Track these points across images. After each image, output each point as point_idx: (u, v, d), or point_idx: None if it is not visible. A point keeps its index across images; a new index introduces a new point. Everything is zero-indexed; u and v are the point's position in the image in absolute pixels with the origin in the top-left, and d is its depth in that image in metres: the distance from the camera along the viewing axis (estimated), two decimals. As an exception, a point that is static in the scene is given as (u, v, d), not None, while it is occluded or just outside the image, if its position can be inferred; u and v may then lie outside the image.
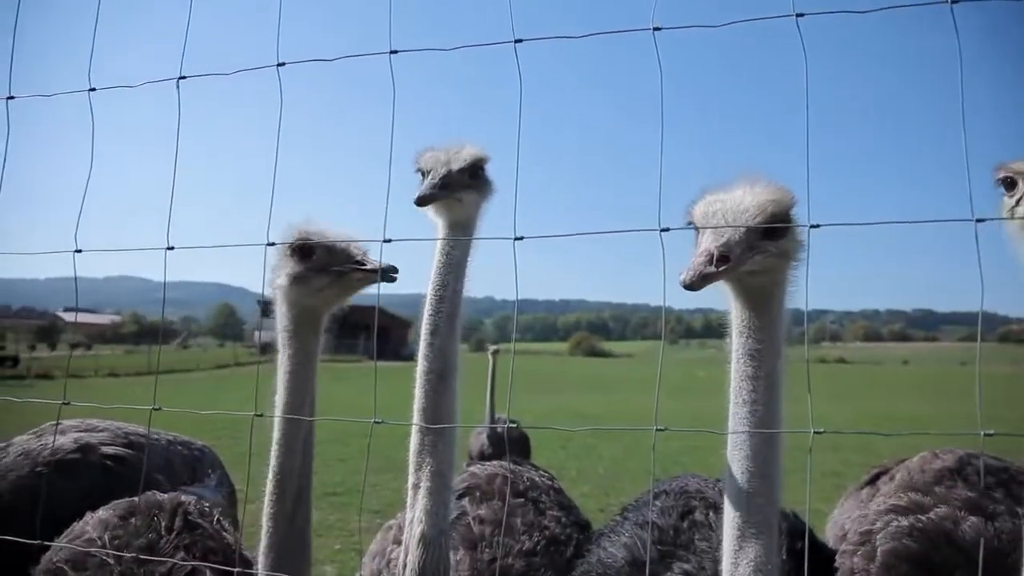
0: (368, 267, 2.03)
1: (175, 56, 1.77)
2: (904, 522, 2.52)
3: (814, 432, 1.47)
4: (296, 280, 2.10)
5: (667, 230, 1.53)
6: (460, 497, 2.87)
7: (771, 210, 1.65)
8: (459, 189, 2.07)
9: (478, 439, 8.51)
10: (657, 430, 1.57)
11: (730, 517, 1.68)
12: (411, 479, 2.00)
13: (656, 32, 1.44)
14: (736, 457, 1.70)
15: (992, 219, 1.27)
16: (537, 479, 3.09)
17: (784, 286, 1.76)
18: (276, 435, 2.09)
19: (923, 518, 2.51)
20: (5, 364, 29.06)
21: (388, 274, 2.06)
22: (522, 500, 2.85)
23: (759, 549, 1.64)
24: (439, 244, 2.10)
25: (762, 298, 1.74)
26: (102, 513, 2.44)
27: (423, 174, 2.11)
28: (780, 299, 1.77)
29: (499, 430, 8.31)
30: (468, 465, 3.66)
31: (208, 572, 2.22)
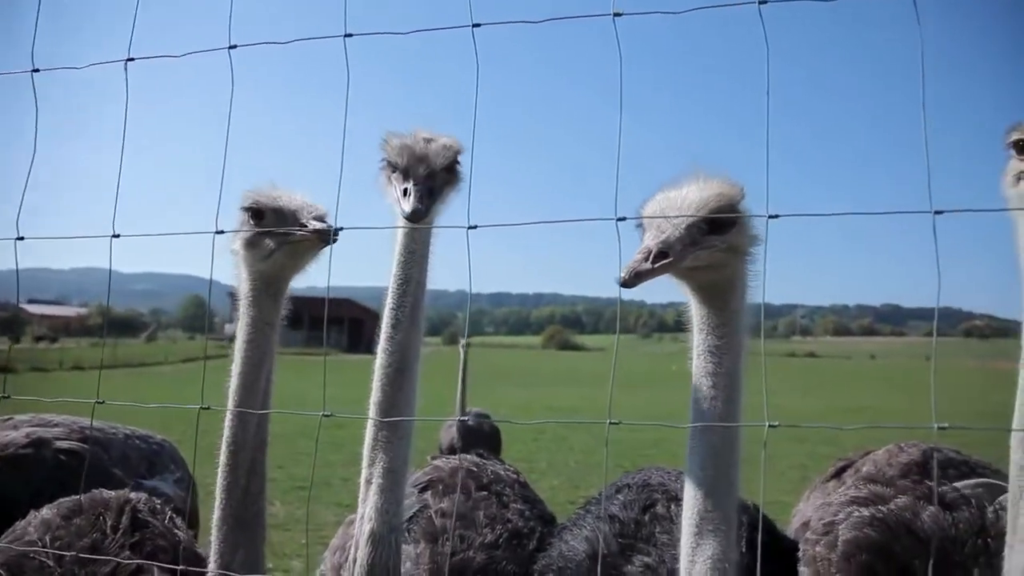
0: (309, 228, 1.95)
1: (125, 38, 1.71)
2: (865, 512, 2.54)
3: (769, 425, 1.46)
4: (248, 244, 2.06)
5: (623, 219, 1.51)
6: (423, 490, 2.85)
7: (714, 205, 1.64)
8: (443, 190, 2.01)
9: (448, 432, 8.49)
10: (611, 424, 1.55)
11: (688, 513, 1.68)
12: (364, 474, 1.97)
13: (617, 18, 1.42)
14: (695, 453, 1.69)
15: (951, 211, 1.26)
16: (502, 472, 3.08)
17: (740, 281, 1.74)
18: (230, 404, 2.06)
19: (883, 508, 2.53)
20: None
21: (332, 236, 1.96)
22: (485, 493, 2.83)
23: (716, 545, 1.64)
24: (399, 236, 2.04)
25: (718, 294, 1.72)
26: (45, 512, 2.37)
27: (392, 166, 2.02)
28: (737, 295, 1.74)
29: (469, 423, 8.32)
30: (434, 458, 3.63)
31: (156, 571, 2.17)
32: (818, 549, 2.55)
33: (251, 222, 2.06)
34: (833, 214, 1.33)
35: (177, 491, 3.45)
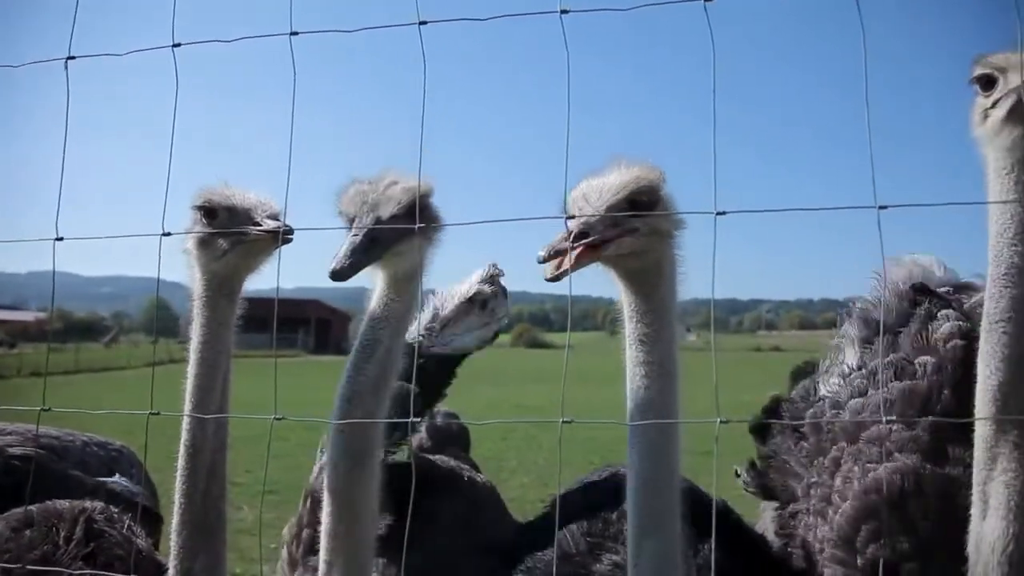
0: (261, 227, 1.91)
1: (65, 37, 1.67)
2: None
3: (720, 421, 1.47)
4: (201, 244, 2.02)
5: (573, 218, 1.51)
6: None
7: (633, 187, 1.64)
8: (393, 242, 1.78)
9: (417, 434, 8.44)
10: (564, 422, 1.55)
11: (631, 509, 1.68)
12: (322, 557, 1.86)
13: (564, 15, 1.42)
14: (633, 447, 1.69)
15: (895, 206, 1.28)
16: (478, 479, 3.07)
17: (666, 267, 1.75)
18: (186, 407, 2.02)
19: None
20: None
21: (285, 236, 1.90)
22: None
23: (659, 540, 1.64)
24: (375, 295, 1.91)
25: (644, 280, 1.73)
26: None
27: (348, 220, 1.83)
28: (664, 281, 1.75)
29: (438, 423, 8.28)
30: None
31: None
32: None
33: (203, 221, 2.02)
34: (778, 210, 1.34)
35: (130, 488, 3.40)
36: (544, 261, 1.55)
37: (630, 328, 1.74)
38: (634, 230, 1.66)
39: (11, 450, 3.07)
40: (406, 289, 1.92)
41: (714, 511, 1.51)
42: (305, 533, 2.75)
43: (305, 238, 1.94)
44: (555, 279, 1.55)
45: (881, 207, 1.28)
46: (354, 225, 1.77)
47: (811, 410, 2.61)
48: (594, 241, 1.58)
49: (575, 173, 1.67)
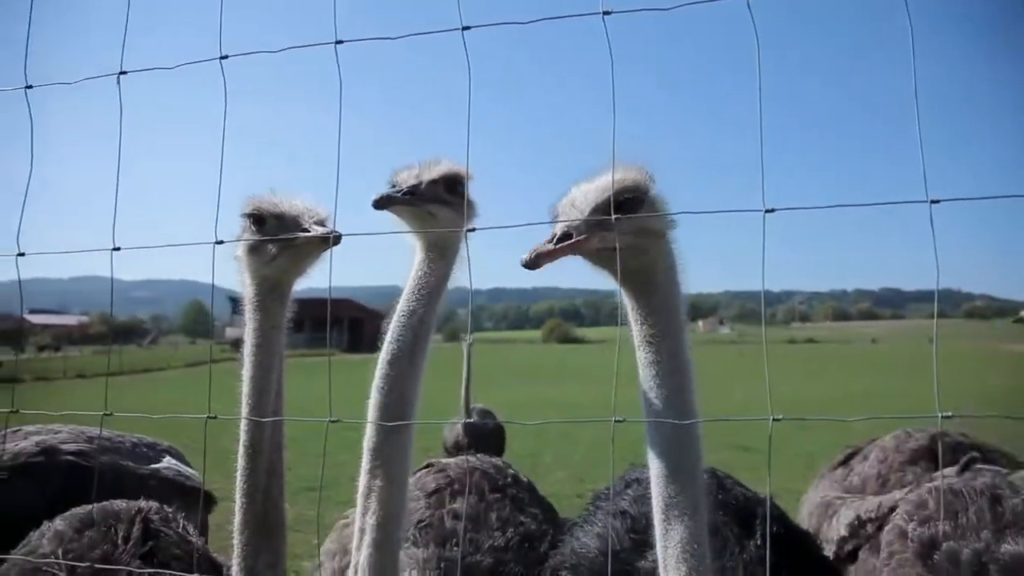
0: (311, 233, 1.95)
1: (117, 52, 1.71)
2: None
3: (773, 419, 1.46)
4: (251, 250, 2.06)
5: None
6: (436, 492, 2.85)
7: (616, 188, 1.65)
8: (429, 202, 1.94)
9: (453, 430, 8.50)
10: (616, 422, 1.55)
11: (656, 502, 1.67)
12: (358, 521, 1.90)
13: (606, 16, 1.42)
14: (653, 444, 1.69)
15: (947, 200, 1.26)
16: (521, 476, 3.07)
17: (662, 265, 1.74)
18: (243, 410, 2.05)
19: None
20: None
21: (334, 240, 1.94)
22: (499, 495, 2.83)
23: (684, 529, 1.62)
24: (413, 268, 2.01)
25: (641, 280, 1.72)
26: (59, 524, 2.38)
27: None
28: (661, 279, 1.74)
29: (475, 421, 8.32)
30: (440, 457, 3.63)
31: None
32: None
33: (252, 228, 2.07)
34: (829, 206, 1.33)
35: (181, 471, 3.48)
36: (527, 266, 1.58)
37: (636, 330, 1.74)
38: (619, 228, 1.65)
39: (65, 447, 3.16)
40: (439, 262, 2.02)
41: (768, 510, 1.50)
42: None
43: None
44: (529, 264, 1.57)
45: (933, 201, 1.26)
46: None
47: None
48: (577, 242, 1.61)
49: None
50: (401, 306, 2.01)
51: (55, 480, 3.02)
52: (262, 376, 2.07)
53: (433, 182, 1.95)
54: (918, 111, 1.26)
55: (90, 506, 2.44)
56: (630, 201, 1.67)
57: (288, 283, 2.13)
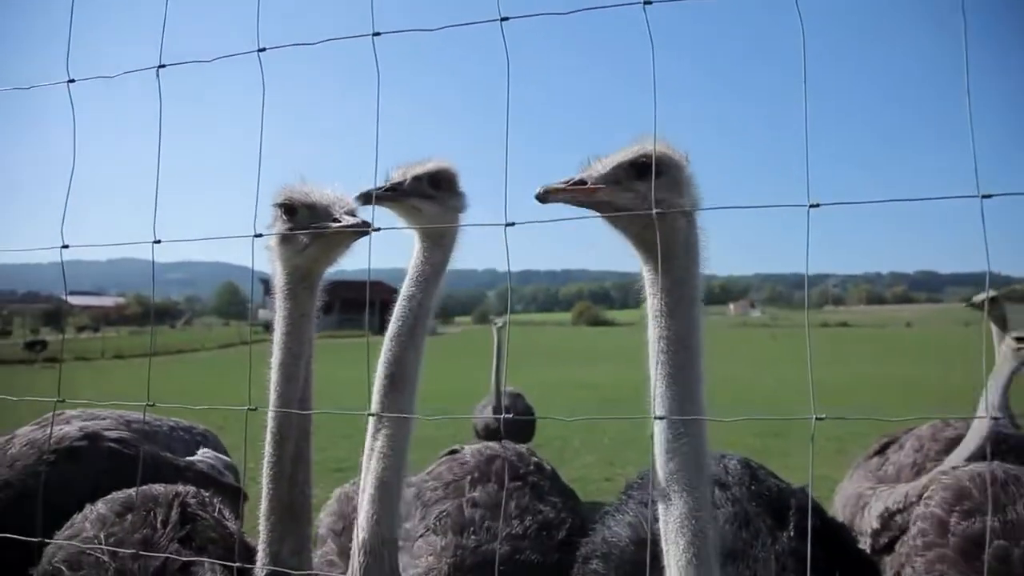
0: (342, 223, 1.98)
1: (156, 45, 1.73)
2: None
3: (816, 419, 1.43)
4: (283, 239, 2.08)
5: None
6: (455, 481, 2.87)
7: (639, 150, 1.69)
8: (412, 196, 2.12)
9: (483, 413, 8.54)
10: (656, 418, 1.54)
11: (659, 474, 1.67)
12: (362, 482, 2.00)
13: (647, 5, 1.39)
14: (658, 424, 1.68)
15: (999, 195, 1.22)
16: (544, 464, 3.08)
17: (680, 242, 1.73)
18: (272, 396, 2.07)
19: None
20: (35, 348, 29.69)
21: (364, 229, 1.99)
22: (519, 483, 2.83)
23: (683, 504, 1.63)
24: (413, 256, 2.16)
25: (663, 253, 1.69)
26: (101, 508, 2.44)
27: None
28: (681, 257, 1.73)
29: (505, 405, 8.35)
30: (472, 442, 3.65)
31: (206, 563, 2.22)
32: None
33: (284, 218, 2.08)
34: (876, 201, 1.29)
35: (217, 467, 3.54)
36: (538, 199, 1.64)
37: (650, 303, 1.74)
38: (634, 192, 1.69)
39: (109, 434, 3.23)
40: (434, 251, 2.19)
41: (810, 504, 1.48)
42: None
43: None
44: (539, 197, 1.63)
45: (984, 196, 1.22)
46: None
47: None
48: (588, 188, 1.65)
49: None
50: (403, 290, 2.21)
51: (98, 465, 3.10)
52: (291, 363, 2.09)
53: (417, 178, 2.13)
54: (970, 105, 1.22)
55: (131, 489, 2.49)
56: (647, 165, 1.69)
57: (318, 272, 2.15)
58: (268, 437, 2.06)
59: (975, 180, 1.21)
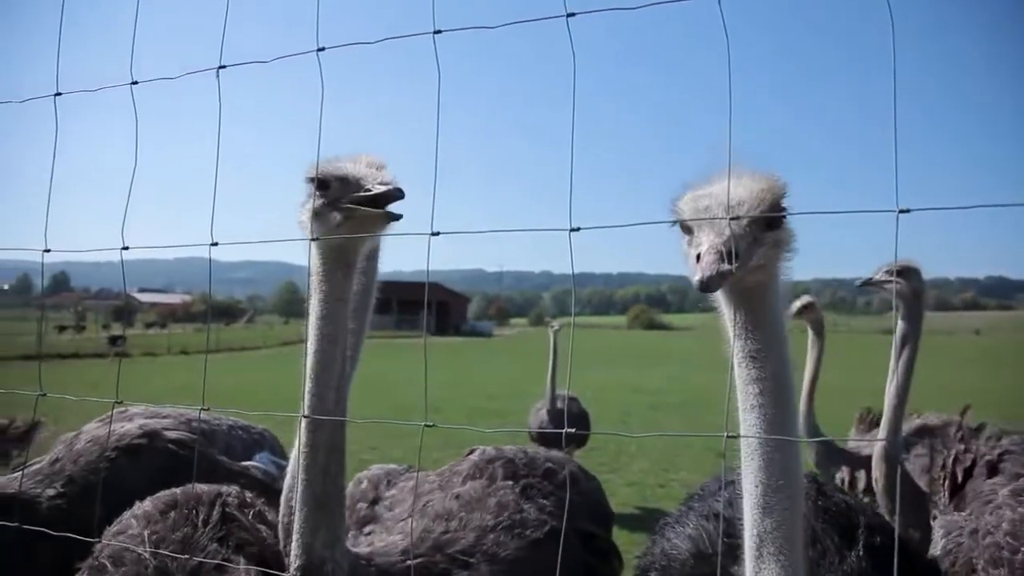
0: (371, 192, 1.88)
1: (216, 47, 1.74)
2: None
3: (727, 436, 1.33)
4: (315, 216, 1.99)
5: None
6: (451, 477, 2.90)
7: (769, 199, 1.53)
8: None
9: (537, 416, 8.53)
10: (728, 437, 1.46)
11: (748, 532, 1.55)
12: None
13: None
14: (748, 469, 1.57)
15: (917, 209, 1.14)
16: (558, 472, 2.99)
17: (778, 279, 1.63)
18: (307, 383, 2.02)
19: None
20: (117, 343, 31.22)
21: (388, 197, 1.89)
22: (510, 483, 2.79)
23: (778, 568, 1.51)
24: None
25: (756, 296, 1.60)
26: (147, 505, 2.47)
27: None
28: (775, 295, 1.63)
29: (559, 407, 8.32)
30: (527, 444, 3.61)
31: (242, 563, 2.21)
32: None
33: (317, 193, 1.99)
34: (965, 207, 1.20)
35: (271, 473, 3.57)
36: (706, 288, 1.44)
37: (739, 345, 1.62)
38: (766, 243, 1.54)
39: (167, 434, 3.30)
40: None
41: (896, 532, 1.38)
42: (359, 506, 2.83)
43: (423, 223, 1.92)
44: (709, 286, 1.44)
45: (903, 211, 1.14)
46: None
47: None
48: (744, 262, 1.48)
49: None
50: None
51: (156, 463, 3.16)
52: (326, 348, 2.02)
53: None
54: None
55: (177, 488, 2.52)
56: (779, 216, 1.56)
57: (355, 253, 2.06)
58: (302, 426, 2.01)
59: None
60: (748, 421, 1.58)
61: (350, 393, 2.14)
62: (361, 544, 2.51)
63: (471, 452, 3.13)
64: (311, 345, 2.02)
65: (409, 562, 2.26)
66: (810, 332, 5.81)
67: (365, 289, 2.26)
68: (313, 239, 1.90)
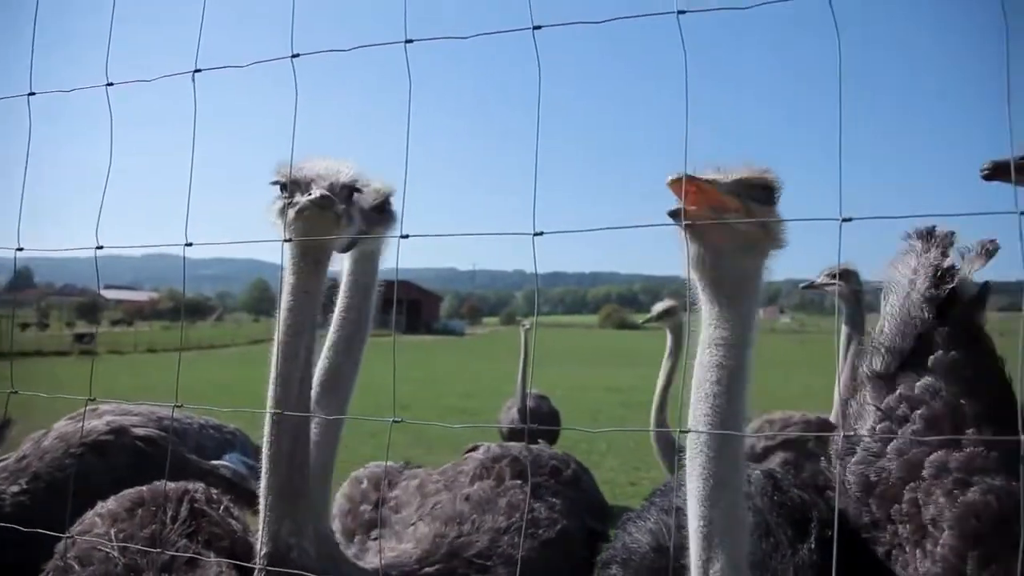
0: (310, 196, 1.95)
1: (190, 51, 1.77)
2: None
3: (845, 436, 1.41)
4: (279, 213, 2.06)
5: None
6: (457, 476, 2.91)
7: (758, 173, 1.63)
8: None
9: (508, 414, 8.60)
10: (681, 432, 1.53)
11: (694, 523, 1.62)
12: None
13: (680, 15, 1.38)
14: (694, 458, 1.63)
15: (859, 218, 1.21)
16: (564, 469, 3.05)
17: (758, 279, 1.69)
18: (272, 374, 2.05)
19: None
20: (84, 340, 30.50)
21: (321, 202, 1.96)
22: (519, 482, 2.82)
23: (725, 557, 1.57)
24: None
25: (736, 287, 1.67)
26: (112, 504, 2.47)
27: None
28: (754, 292, 1.70)
29: (531, 406, 8.39)
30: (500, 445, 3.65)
31: (212, 558, 2.23)
32: None
33: (280, 194, 2.08)
34: (907, 216, 1.28)
35: (240, 472, 3.58)
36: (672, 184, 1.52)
37: (707, 333, 1.67)
38: (755, 212, 1.61)
39: (136, 431, 3.29)
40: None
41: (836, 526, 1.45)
42: (362, 508, 2.85)
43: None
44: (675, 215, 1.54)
45: (845, 219, 1.22)
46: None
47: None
48: (723, 196, 1.56)
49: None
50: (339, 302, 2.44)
51: (123, 460, 3.16)
52: (291, 340, 2.06)
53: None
54: (1010, 115, 1.20)
55: (142, 487, 2.52)
56: (761, 195, 1.64)
57: (321, 249, 2.11)
58: (267, 415, 2.04)
59: (1013, 197, 1.19)
60: (699, 411, 1.64)
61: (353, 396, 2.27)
62: (370, 550, 2.51)
63: (473, 449, 3.15)
64: (278, 335, 2.06)
65: (427, 569, 2.32)
66: (669, 339, 5.70)
67: (365, 289, 2.37)
68: (285, 240, 1.93)
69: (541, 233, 1.48)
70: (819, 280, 4.60)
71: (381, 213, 2.41)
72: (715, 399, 1.63)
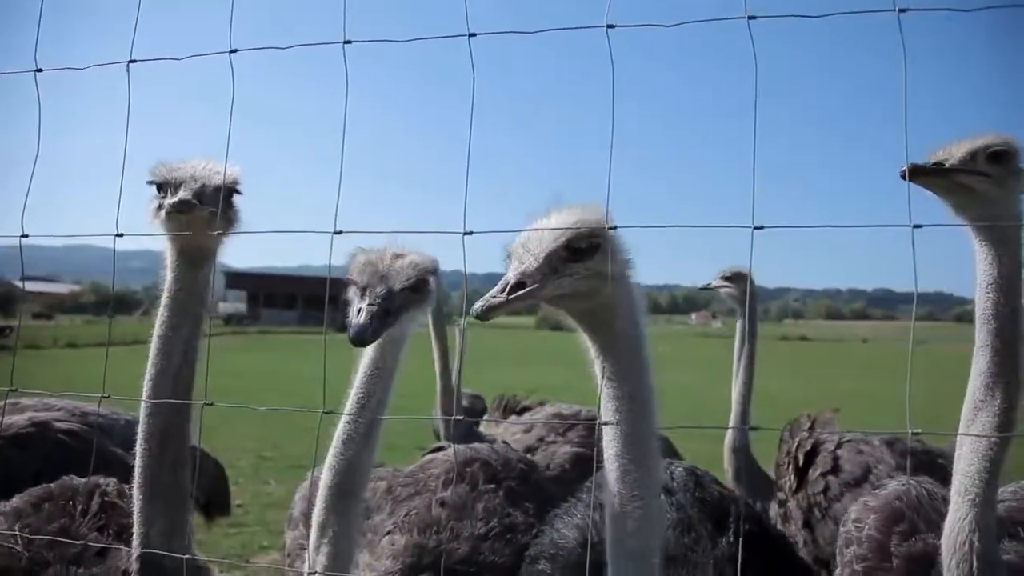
0: (172, 199, 1.96)
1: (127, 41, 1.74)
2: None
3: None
4: (154, 214, 2.07)
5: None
6: (427, 481, 2.90)
7: (571, 233, 1.61)
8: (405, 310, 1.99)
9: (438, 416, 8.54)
10: (602, 423, 1.58)
11: (608, 477, 1.66)
12: (312, 538, 1.95)
13: (610, 29, 1.44)
14: (610, 475, 1.67)
15: (930, 225, 1.30)
16: (532, 472, 3.08)
17: (621, 305, 1.69)
18: (148, 368, 2.08)
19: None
20: (3, 333, 28.79)
21: (179, 209, 1.96)
22: (493, 487, 2.85)
23: (635, 508, 1.63)
24: (368, 350, 2.10)
25: (598, 320, 1.69)
26: (15, 502, 2.43)
27: (353, 283, 2.04)
28: (620, 318, 1.69)
29: (464, 404, 8.37)
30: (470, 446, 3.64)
31: (123, 550, 2.18)
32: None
33: (157, 193, 2.08)
34: (817, 226, 1.36)
35: None
36: (480, 318, 1.55)
37: (598, 365, 1.70)
38: (574, 273, 1.61)
39: (58, 424, 3.20)
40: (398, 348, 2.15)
41: (741, 515, 1.52)
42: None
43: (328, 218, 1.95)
44: (481, 316, 1.55)
45: (916, 226, 1.29)
46: (366, 294, 1.88)
47: None
48: (531, 291, 1.57)
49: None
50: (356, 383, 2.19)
51: (43, 454, 3.07)
52: (166, 336, 2.08)
53: (411, 289, 1.98)
54: (906, 132, 1.30)
55: (51, 484, 2.49)
56: (585, 248, 1.62)
57: (198, 249, 2.12)
58: (141, 411, 2.03)
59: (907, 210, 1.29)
60: (608, 435, 1.67)
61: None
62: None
63: (436, 450, 3.13)
64: (155, 330, 2.10)
65: None
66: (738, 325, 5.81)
67: (388, 375, 2.15)
68: (219, 233, 1.92)
69: (471, 232, 1.51)
70: (713, 283, 4.87)
71: (417, 292, 1.99)
72: (619, 427, 1.67)
